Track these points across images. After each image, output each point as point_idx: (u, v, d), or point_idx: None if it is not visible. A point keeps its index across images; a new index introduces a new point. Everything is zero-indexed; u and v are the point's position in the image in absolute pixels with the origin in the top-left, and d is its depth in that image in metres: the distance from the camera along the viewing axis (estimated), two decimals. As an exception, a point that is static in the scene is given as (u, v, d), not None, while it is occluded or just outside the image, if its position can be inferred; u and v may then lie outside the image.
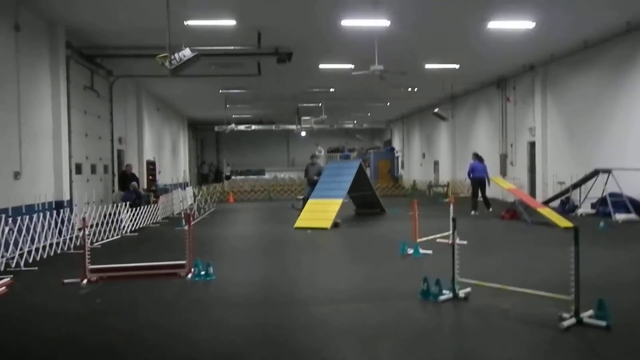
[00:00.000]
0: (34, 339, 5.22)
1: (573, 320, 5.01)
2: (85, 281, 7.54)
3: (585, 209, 15.22)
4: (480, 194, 16.43)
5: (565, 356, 4.46)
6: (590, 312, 5.10)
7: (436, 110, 23.29)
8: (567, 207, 15.73)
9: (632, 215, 13.34)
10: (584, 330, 4.93)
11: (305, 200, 15.71)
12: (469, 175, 16.70)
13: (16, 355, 4.80)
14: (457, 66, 18.83)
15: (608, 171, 14.23)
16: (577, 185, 15.65)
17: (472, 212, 15.89)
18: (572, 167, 16.91)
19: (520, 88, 20.66)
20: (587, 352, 4.61)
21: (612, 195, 14.00)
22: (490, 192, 20.32)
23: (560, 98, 18.24)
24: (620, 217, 13.35)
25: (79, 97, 15.03)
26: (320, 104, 25.96)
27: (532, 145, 19.89)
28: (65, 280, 7.59)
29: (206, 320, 5.72)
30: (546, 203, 15.88)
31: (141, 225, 14.55)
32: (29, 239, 9.62)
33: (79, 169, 14.94)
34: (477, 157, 16.79)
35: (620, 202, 13.83)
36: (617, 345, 4.64)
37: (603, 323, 4.92)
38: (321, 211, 14.15)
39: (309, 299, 6.55)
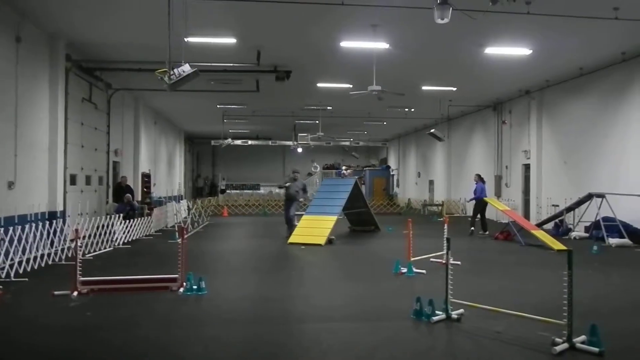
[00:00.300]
0: (21, 351, 5.15)
1: (566, 346, 5.00)
2: (75, 293, 7.46)
3: (578, 232, 15.27)
4: (480, 215, 16.44)
5: (558, 381, 4.45)
6: (583, 337, 5.09)
7: (432, 130, 23.40)
8: (560, 230, 15.77)
9: (626, 240, 13.37)
10: (577, 355, 4.92)
11: (289, 221, 15.03)
12: (477, 195, 16.56)
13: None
14: (454, 89, 19.04)
15: (602, 195, 14.31)
16: (570, 208, 15.72)
17: (483, 233, 15.86)
18: (566, 190, 17.01)
19: (516, 111, 20.86)
20: (579, 378, 4.60)
21: (605, 219, 14.06)
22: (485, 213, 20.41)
23: (555, 122, 18.42)
24: (613, 241, 13.39)
25: (77, 109, 15.05)
26: (317, 121, 26.07)
27: (526, 167, 20.03)
28: (56, 292, 7.51)
29: (197, 336, 5.67)
30: (540, 225, 15.92)
31: (134, 238, 14.47)
32: (20, 249, 9.54)
33: (73, 180, 14.89)
34: (481, 179, 16.91)
35: (613, 226, 13.89)
36: (609, 371, 4.63)
37: (596, 349, 4.91)
38: (315, 227, 14.14)
39: (302, 316, 6.52)
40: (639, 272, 9.87)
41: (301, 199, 15.57)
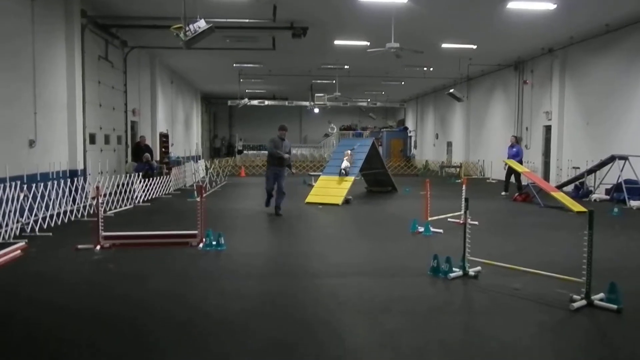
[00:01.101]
0: (46, 302, 5.32)
1: (584, 302, 4.99)
2: (98, 247, 7.64)
3: (599, 194, 15.06)
4: (508, 176, 16.32)
5: (574, 336, 4.46)
6: (602, 295, 5.07)
7: (451, 90, 22.98)
8: (580, 192, 15.57)
9: (647, 203, 13.18)
10: (595, 312, 4.92)
11: (269, 192, 11.95)
12: (517, 157, 16.29)
13: (29, 316, 4.90)
14: (474, 47, 18.52)
15: (624, 157, 14.02)
16: (592, 170, 15.46)
17: (506, 193, 15.84)
18: (588, 152, 16.70)
19: (538, 71, 20.31)
20: (596, 334, 4.61)
21: (627, 182, 13.82)
22: (502, 174, 20.21)
23: (578, 82, 17.91)
24: (634, 203, 13.19)
25: (93, 68, 15.03)
26: (334, 81, 25.74)
27: (547, 129, 19.64)
28: (79, 246, 7.70)
29: (216, 289, 5.79)
30: (560, 187, 15.72)
31: (153, 196, 14.68)
32: (44, 205, 9.75)
33: (92, 139, 15.02)
34: (517, 140, 16.82)
35: (635, 188, 13.66)
36: (627, 328, 4.63)
37: (614, 306, 4.90)
38: (333, 187, 14.16)
39: (318, 272, 6.59)
40: (660, 234, 9.76)
41: (293, 170, 12.49)
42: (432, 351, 4.04)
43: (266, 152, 13.01)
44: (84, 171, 13.43)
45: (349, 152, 14.83)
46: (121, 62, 17.73)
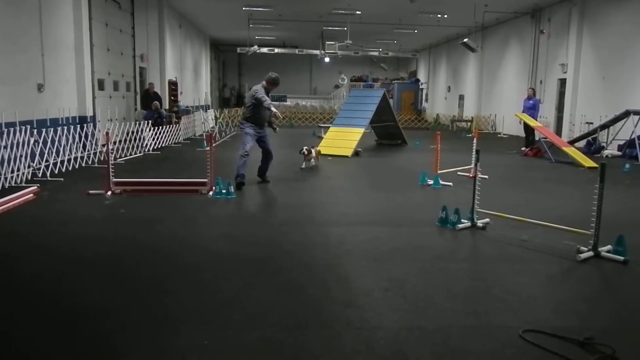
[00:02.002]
0: (58, 243, 5.43)
1: (591, 254, 5.03)
2: (109, 193, 7.73)
3: (611, 150, 14.88)
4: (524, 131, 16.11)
5: (579, 286, 4.52)
6: (609, 247, 5.10)
7: (465, 40, 22.39)
8: (592, 148, 15.39)
9: (660, 159, 13.03)
10: (601, 263, 4.96)
11: (244, 157, 8.75)
12: (530, 110, 15.96)
13: (40, 257, 5.02)
14: (491, -9, 17.85)
15: (639, 113, 13.76)
16: (605, 126, 15.20)
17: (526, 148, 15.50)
18: (602, 107, 16.37)
19: (556, 20, 19.65)
20: (601, 283, 4.66)
21: (640, 137, 13.62)
22: (514, 129, 19.97)
23: (596, 33, 17.34)
24: (647, 159, 13.06)
25: (100, 8, 14.72)
26: (345, 28, 25.11)
27: (562, 82, 19.20)
28: (91, 191, 7.79)
29: (225, 235, 5.88)
30: (572, 143, 15.53)
31: (163, 145, 14.71)
32: (54, 151, 9.81)
33: (101, 85, 14.93)
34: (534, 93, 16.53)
35: (648, 145, 13.48)
36: (632, 278, 4.67)
37: (621, 258, 4.93)
38: (342, 139, 14.09)
39: (326, 220, 6.66)
40: (671, 190, 9.69)
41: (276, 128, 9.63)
42: (438, 296, 4.11)
43: (276, 103, 12.27)
44: (94, 118, 13.43)
45: None
46: (128, 3, 17.34)
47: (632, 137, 13.82)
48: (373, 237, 5.85)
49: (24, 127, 9.14)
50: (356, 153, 13.70)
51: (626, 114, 14.17)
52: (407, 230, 6.14)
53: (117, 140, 12.30)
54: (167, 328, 3.46)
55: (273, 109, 8.83)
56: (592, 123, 16.41)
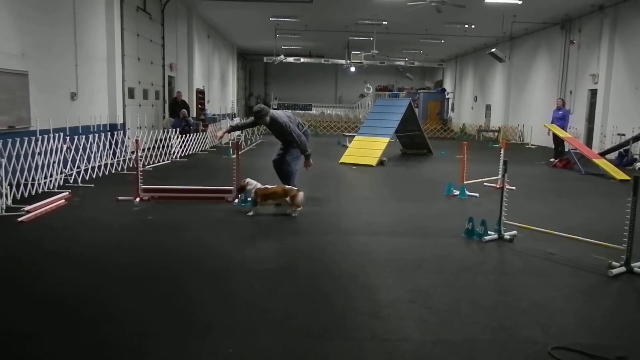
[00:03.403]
0: (88, 246, 5.55)
1: (623, 269, 4.89)
2: (138, 199, 7.88)
3: (644, 162, 14.51)
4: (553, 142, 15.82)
5: (611, 301, 4.40)
6: (642, 262, 4.97)
7: (493, 50, 22.18)
8: (624, 160, 15.03)
9: (695, 172, 12.63)
10: (634, 279, 4.82)
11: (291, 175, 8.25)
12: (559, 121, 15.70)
13: (71, 258, 5.13)
14: (519, 1, 17.66)
15: (674, 124, 13.39)
16: (638, 137, 14.84)
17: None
18: (635, 118, 16.00)
19: (586, 30, 19.33)
20: (634, 299, 4.52)
21: (675, 149, 13.25)
22: (542, 140, 19.64)
23: (629, 43, 16.98)
24: (681, 172, 12.67)
25: (132, 19, 15.09)
26: (371, 38, 25.17)
27: (593, 93, 18.84)
28: (120, 198, 7.95)
29: (249, 242, 5.92)
30: (603, 154, 15.19)
31: (190, 152, 14.93)
32: (85, 158, 10.06)
33: (131, 93, 15.26)
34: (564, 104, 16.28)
35: (683, 157, 13.09)
36: (666, 296, 4.53)
37: (654, 274, 4.80)
38: (367, 148, 14.08)
39: (350, 230, 6.64)
40: None
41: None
42: (463, 308, 4.05)
43: (302, 111, 11.70)
44: (124, 125, 13.73)
45: None
46: (159, 14, 17.73)
47: (666, 149, 13.45)
48: (397, 247, 5.81)
49: (57, 134, 9.40)
50: (381, 162, 13.67)
51: (660, 126, 13.81)
52: (432, 241, 6.09)
53: (146, 147, 12.53)
54: (192, 335, 3.50)
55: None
56: (624, 134, 16.03)
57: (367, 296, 4.30)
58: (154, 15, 17.09)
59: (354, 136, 16.01)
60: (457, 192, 9.11)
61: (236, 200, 7.96)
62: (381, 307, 4.04)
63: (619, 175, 11.85)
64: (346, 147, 15.47)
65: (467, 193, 9.07)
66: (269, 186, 7.45)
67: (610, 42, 17.69)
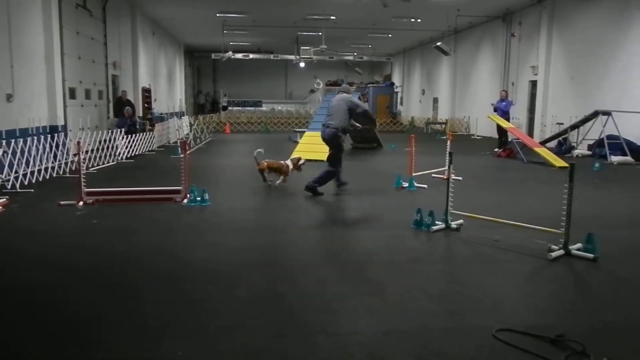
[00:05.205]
0: (29, 255, 5.31)
1: (561, 252, 5.13)
2: (81, 203, 7.59)
3: (581, 150, 15.23)
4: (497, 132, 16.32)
5: (551, 283, 4.60)
6: (579, 245, 5.21)
7: (438, 43, 22.71)
8: (563, 148, 15.74)
9: (627, 158, 13.37)
10: (572, 261, 5.06)
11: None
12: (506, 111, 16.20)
13: (11, 268, 4.89)
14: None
15: (608, 113, 14.13)
16: (575, 126, 15.58)
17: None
18: (572, 108, 16.77)
19: (526, 23, 20.08)
20: (572, 281, 4.76)
21: (609, 137, 13.97)
22: (488, 130, 20.29)
23: (565, 36, 17.78)
24: (615, 159, 13.39)
25: (71, 17, 14.50)
26: (320, 33, 25.21)
27: (533, 84, 19.61)
28: (62, 202, 7.64)
29: (201, 242, 5.83)
30: (543, 143, 15.85)
31: (137, 153, 14.52)
32: (24, 162, 9.60)
33: (72, 93, 14.68)
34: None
35: (616, 144, 13.83)
36: (601, 275, 4.79)
37: (590, 255, 5.05)
38: (318, 144, 14.06)
39: (302, 225, 6.65)
40: (638, 188, 9.95)
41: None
42: (413, 299, 4.14)
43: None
44: (65, 127, 13.19)
45: None
46: (100, 11, 17.13)
47: (601, 136, 14.17)
48: (350, 240, 5.87)
49: (-9, 138, 8.92)
50: (332, 157, 13.71)
51: (595, 115, 14.53)
52: (383, 234, 6.18)
53: (90, 149, 12.10)
54: (146, 338, 3.41)
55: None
56: (562, 123, 16.78)
57: (320, 291, 4.32)
58: (95, 13, 16.49)
59: (304, 132, 16.01)
60: (406, 185, 9.29)
61: (185, 201, 7.81)
62: (334, 301, 4.07)
63: (559, 162, 12.40)
64: (297, 142, 15.46)
65: (416, 185, 9.27)
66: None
67: (548, 35, 18.45)
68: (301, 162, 9.93)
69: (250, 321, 3.70)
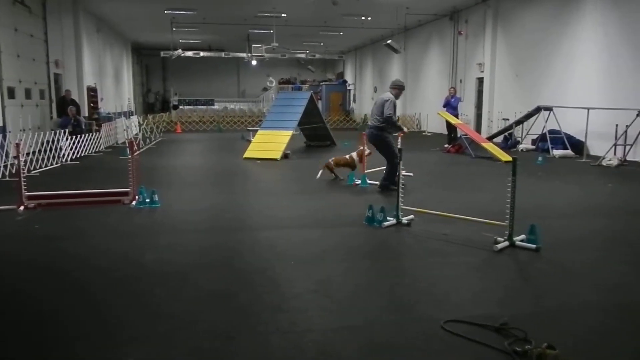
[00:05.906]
0: (-32, 265, 5.04)
1: (506, 244, 5.32)
2: (22, 208, 7.25)
3: (526, 144, 15.83)
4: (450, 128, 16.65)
5: (497, 274, 4.76)
6: (523, 236, 5.42)
7: (389, 41, 23.04)
8: (509, 143, 16.31)
9: (568, 151, 13.99)
10: (516, 252, 5.26)
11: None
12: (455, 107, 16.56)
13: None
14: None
15: (549, 109, 14.73)
16: (519, 121, 16.16)
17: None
18: (517, 103, 17.38)
19: (473, 22, 20.67)
20: (516, 270, 4.94)
21: (551, 132, 14.58)
22: (438, 127, 20.76)
23: (509, 34, 18.40)
24: (557, 152, 13.99)
25: (7, 13, 13.83)
26: (271, 31, 25.09)
27: (480, 81, 20.21)
28: (0, 207, 7.27)
29: (153, 244, 5.69)
30: (490, 139, 16.37)
31: (83, 154, 14.02)
32: (-41, 165, 9.08)
33: (11, 93, 14.01)
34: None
35: (558, 138, 14.45)
36: (542, 264, 4.99)
37: (533, 246, 5.26)
38: (271, 142, 14.04)
39: (256, 225, 6.60)
40: (578, 180, 10.44)
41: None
42: (364, 294, 4.19)
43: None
44: (4, 128, 12.58)
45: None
46: (40, 7, 16.40)
47: (544, 131, 14.77)
48: (303, 239, 5.87)
49: None
50: (285, 156, 13.70)
51: (537, 110, 15.13)
52: (336, 231, 6.22)
53: (31, 151, 11.57)
54: (93, 343, 3.29)
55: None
56: (508, 119, 17.38)
57: (272, 290, 4.29)
58: (34, 9, 15.77)
59: (257, 130, 15.89)
60: (358, 182, 9.38)
61: (133, 202, 7.60)
62: (286, 300, 4.06)
63: (505, 157, 12.83)
64: (250, 141, 15.33)
65: (368, 182, 9.37)
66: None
67: (493, 33, 19.05)
68: (366, 152, 9.93)
69: (202, 322, 3.64)
